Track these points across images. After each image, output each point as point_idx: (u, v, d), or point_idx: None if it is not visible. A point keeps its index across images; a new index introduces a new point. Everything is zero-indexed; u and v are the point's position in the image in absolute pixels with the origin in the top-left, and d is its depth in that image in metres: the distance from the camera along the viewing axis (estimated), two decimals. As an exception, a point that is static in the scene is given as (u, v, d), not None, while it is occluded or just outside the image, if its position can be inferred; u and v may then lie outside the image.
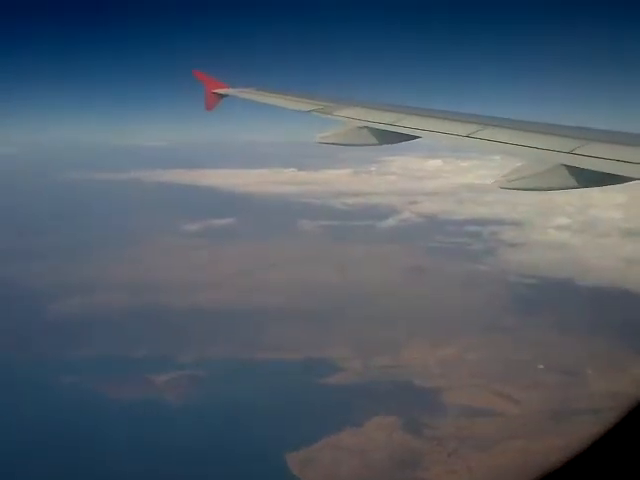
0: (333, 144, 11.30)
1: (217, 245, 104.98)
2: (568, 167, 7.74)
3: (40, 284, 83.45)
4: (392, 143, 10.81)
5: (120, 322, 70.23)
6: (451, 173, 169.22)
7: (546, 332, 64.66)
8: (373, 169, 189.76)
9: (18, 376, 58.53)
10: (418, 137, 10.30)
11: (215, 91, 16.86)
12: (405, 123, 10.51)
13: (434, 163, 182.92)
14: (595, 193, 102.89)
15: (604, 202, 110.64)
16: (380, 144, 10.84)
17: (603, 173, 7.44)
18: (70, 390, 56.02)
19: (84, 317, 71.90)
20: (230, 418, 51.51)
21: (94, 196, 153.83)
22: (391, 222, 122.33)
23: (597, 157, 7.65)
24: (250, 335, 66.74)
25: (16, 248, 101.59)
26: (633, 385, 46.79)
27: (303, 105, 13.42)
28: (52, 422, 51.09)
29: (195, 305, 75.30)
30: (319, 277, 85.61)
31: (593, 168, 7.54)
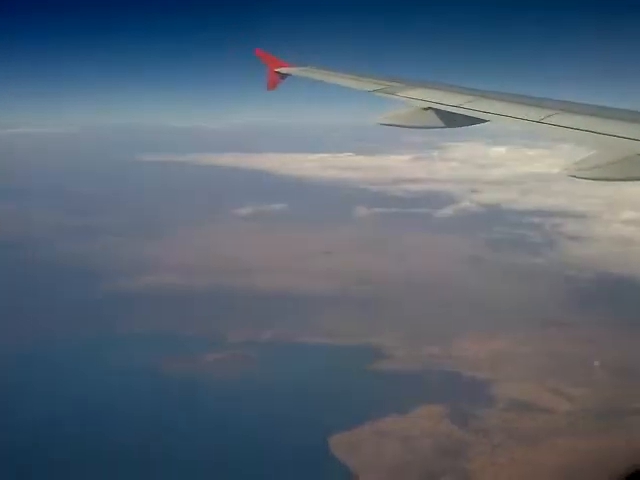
0: (395, 126, 10.81)
1: (271, 229, 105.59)
2: None
3: (96, 263, 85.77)
4: (458, 126, 10.38)
5: (173, 301, 71.64)
6: (517, 161, 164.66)
7: (604, 329, 62.72)
8: (435, 154, 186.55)
9: (75, 351, 60.44)
10: (486, 121, 9.86)
11: (277, 70, 16.69)
12: (473, 106, 10.05)
13: (499, 150, 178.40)
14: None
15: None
16: (445, 127, 10.41)
17: None
18: (124, 364, 57.49)
19: (138, 296, 73.59)
20: (278, 398, 51.93)
21: (149, 178, 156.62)
22: (451, 211, 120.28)
23: None
24: (302, 319, 66.99)
25: (73, 227, 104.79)
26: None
27: (366, 85, 13.00)
28: (108, 394, 52.64)
29: (247, 288, 76.02)
30: (373, 264, 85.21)
31: None
